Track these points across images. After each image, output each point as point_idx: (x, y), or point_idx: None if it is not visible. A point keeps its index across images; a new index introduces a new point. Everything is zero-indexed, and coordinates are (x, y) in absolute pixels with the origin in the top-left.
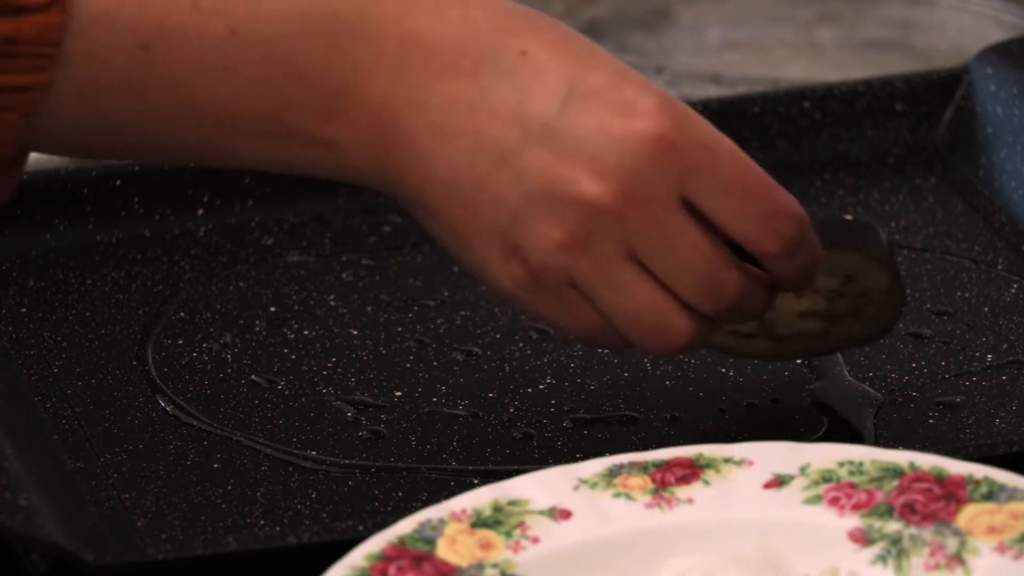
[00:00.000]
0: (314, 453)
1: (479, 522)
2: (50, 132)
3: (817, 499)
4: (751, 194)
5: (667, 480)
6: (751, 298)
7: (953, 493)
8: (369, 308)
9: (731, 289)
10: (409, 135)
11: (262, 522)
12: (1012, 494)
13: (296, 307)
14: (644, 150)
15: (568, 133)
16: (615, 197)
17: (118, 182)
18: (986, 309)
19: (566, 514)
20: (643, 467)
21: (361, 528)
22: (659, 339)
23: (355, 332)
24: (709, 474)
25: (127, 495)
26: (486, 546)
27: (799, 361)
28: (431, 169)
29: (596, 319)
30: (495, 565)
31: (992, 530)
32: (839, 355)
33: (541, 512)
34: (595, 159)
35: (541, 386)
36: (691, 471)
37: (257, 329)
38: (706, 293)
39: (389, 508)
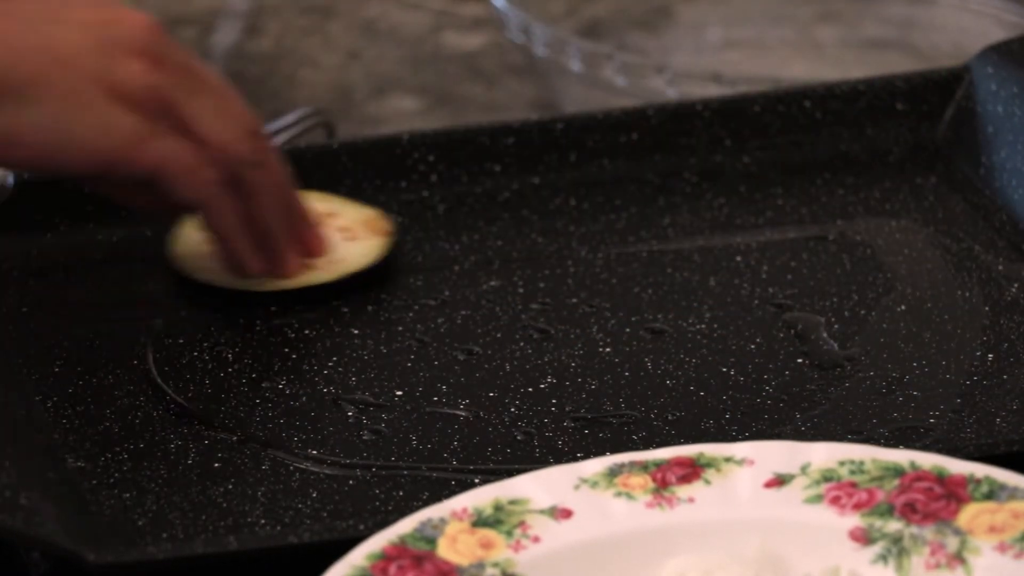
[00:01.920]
0: (315, 452)
1: (480, 521)
2: None
3: (818, 498)
4: (224, 84)
5: (668, 479)
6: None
7: (954, 492)
8: (370, 307)
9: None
10: None
11: (263, 521)
12: (1013, 493)
13: (297, 306)
14: (150, 17)
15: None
16: (157, 27)
17: None
18: (987, 308)
19: (567, 513)
20: (644, 466)
21: (362, 527)
22: (235, 133)
23: (356, 331)
24: (710, 473)
25: (128, 494)
26: (487, 545)
27: (799, 360)
28: (6, 43)
29: (191, 148)
30: (496, 564)
31: (993, 529)
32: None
33: (542, 511)
34: (121, 6)
35: (542, 385)
36: (692, 470)
37: (258, 328)
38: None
39: (390, 507)
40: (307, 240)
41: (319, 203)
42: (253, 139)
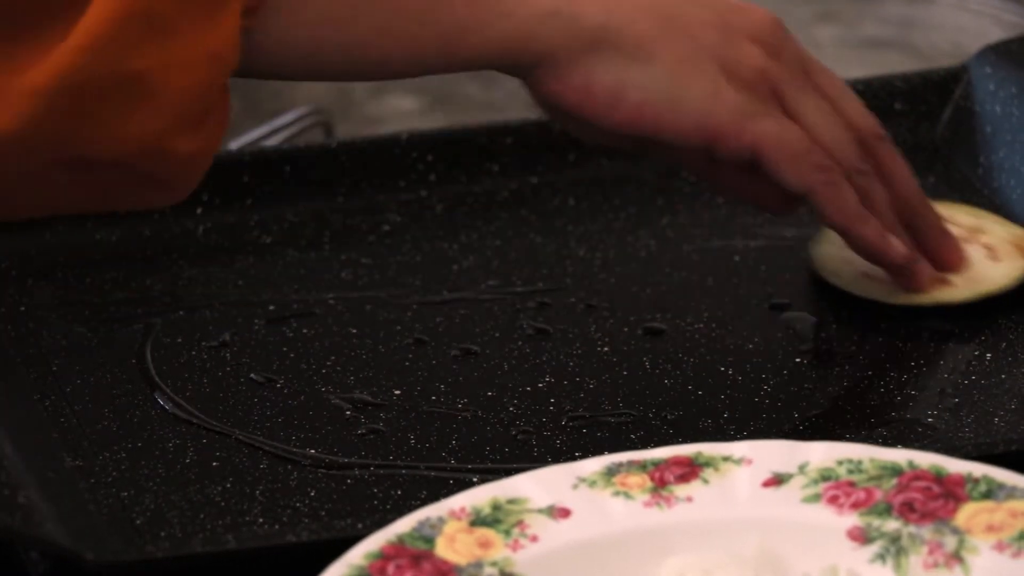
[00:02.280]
0: (313, 451)
1: (478, 520)
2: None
3: (816, 497)
4: (844, 83)
5: (666, 478)
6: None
7: (952, 491)
8: (368, 307)
9: (863, 145)
10: None
11: (261, 520)
12: (1011, 492)
13: (295, 305)
14: (773, 14)
15: None
16: (778, 23)
17: None
18: (985, 307)
19: (565, 512)
20: (642, 465)
21: (360, 526)
22: (840, 140)
23: (354, 330)
24: (708, 472)
25: (126, 493)
26: (485, 545)
27: (797, 359)
28: (641, 5)
29: (799, 130)
30: (494, 563)
31: (991, 528)
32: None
33: (540, 511)
34: (747, 1)
35: (540, 385)
36: (690, 469)
37: (256, 327)
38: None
39: (388, 506)
40: (939, 252)
41: (965, 217)
42: (861, 146)
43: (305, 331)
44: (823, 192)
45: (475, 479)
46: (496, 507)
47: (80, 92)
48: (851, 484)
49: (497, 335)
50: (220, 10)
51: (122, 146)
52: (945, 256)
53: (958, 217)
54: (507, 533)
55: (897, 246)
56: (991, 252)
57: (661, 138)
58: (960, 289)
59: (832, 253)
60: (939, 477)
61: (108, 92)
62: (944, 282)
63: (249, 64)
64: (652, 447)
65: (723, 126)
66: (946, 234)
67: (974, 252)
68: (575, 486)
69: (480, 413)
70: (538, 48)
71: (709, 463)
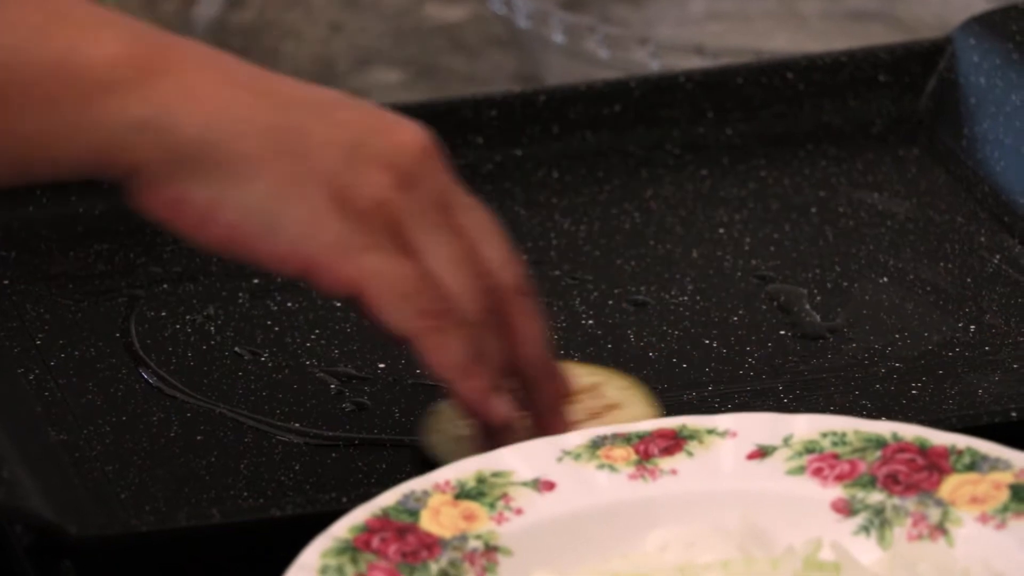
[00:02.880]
0: (297, 425)
1: (463, 493)
2: None
3: (800, 470)
4: (494, 226)
5: (650, 451)
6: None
7: (936, 463)
8: None
9: (492, 296)
10: (212, 84)
11: (245, 494)
12: (994, 464)
13: (279, 279)
14: (426, 139)
15: (362, 105)
16: (427, 151)
17: None
18: (969, 280)
19: (550, 485)
20: (626, 438)
21: (344, 500)
22: (463, 287)
23: (338, 304)
24: (692, 445)
25: (110, 467)
26: (470, 517)
27: (782, 332)
28: (250, 119)
29: (410, 269)
30: (478, 536)
31: (975, 500)
32: None
33: (525, 483)
34: (400, 122)
35: None
36: (674, 442)
37: (240, 301)
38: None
39: (373, 480)
40: (545, 425)
41: (612, 391)
42: (486, 297)
43: (289, 304)
44: (425, 340)
45: None
46: (481, 480)
47: None
48: (835, 456)
49: None
50: None
51: None
52: (546, 431)
53: (609, 387)
54: (492, 506)
55: (497, 407)
56: (605, 412)
57: (256, 262)
58: None
59: (443, 424)
60: (923, 449)
61: None
62: None
63: None
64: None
65: (319, 257)
66: (557, 412)
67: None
68: (560, 459)
69: None
70: (128, 160)
71: (693, 436)
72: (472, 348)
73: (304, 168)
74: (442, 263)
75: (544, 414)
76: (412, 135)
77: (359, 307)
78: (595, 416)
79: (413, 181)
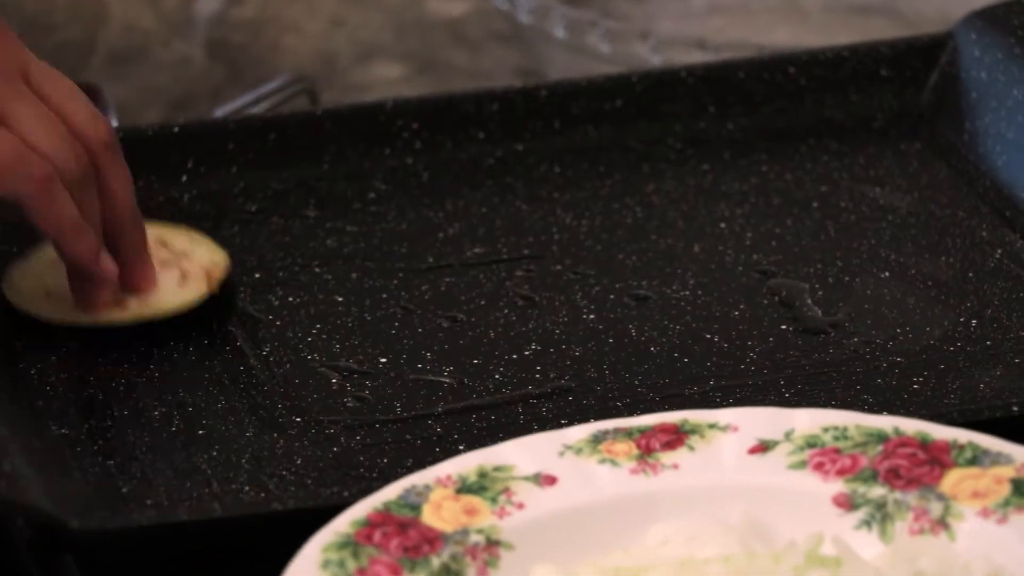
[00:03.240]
0: (299, 420)
1: (464, 488)
2: None
3: (802, 464)
4: (76, 89)
5: (652, 446)
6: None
7: (937, 458)
8: (354, 275)
9: (86, 155)
10: None
11: (247, 488)
12: (996, 459)
13: (281, 273)
14: None
15: None
16: None
17: None
18: (970, 274)
19: (551, 480)
20: (628, 433)
21: (346, 494)
22: (60, 149)
23: (340, 299)
24: (694, 440)
25: (112, 461)
26: (471, 512)
27: (783, 326)
28: None
29: (9, 139)
30: (480, 531)
31: (976, 495)
32: None
33: (526, 478)
34: None
35: (526, 352)
36: (676, 437)
37: (242, 295)
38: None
39: (374, 474)
40: (132, 274)
41: (180, 240)
42: (83, 155)
43: (291, 299)
44: (35, 202)
45: (461, 447)
46: (482, 474)
47: None
48: (837, 451)
49: (483, 302)
50: None
51: None
52: (136, 279)
53: (173, 238)
54: (493, 500)
55: (106, 265)
56: (183, 276)
57: None
58: (130, 310)
59: (28, 270)
60: (924, 443)
61: None
62: (119, 304)
63: None
64: (638, 414)
65: None
66: (144, 258)
67: (168, 276)
68: (561, 453)
69: (466, 381)
70: None
71: (695, 430)
72: (76, 210)
73: None
74: (34, 128)
75: (132, 262)
76: None
77: None
78: (167, 265)
79: None
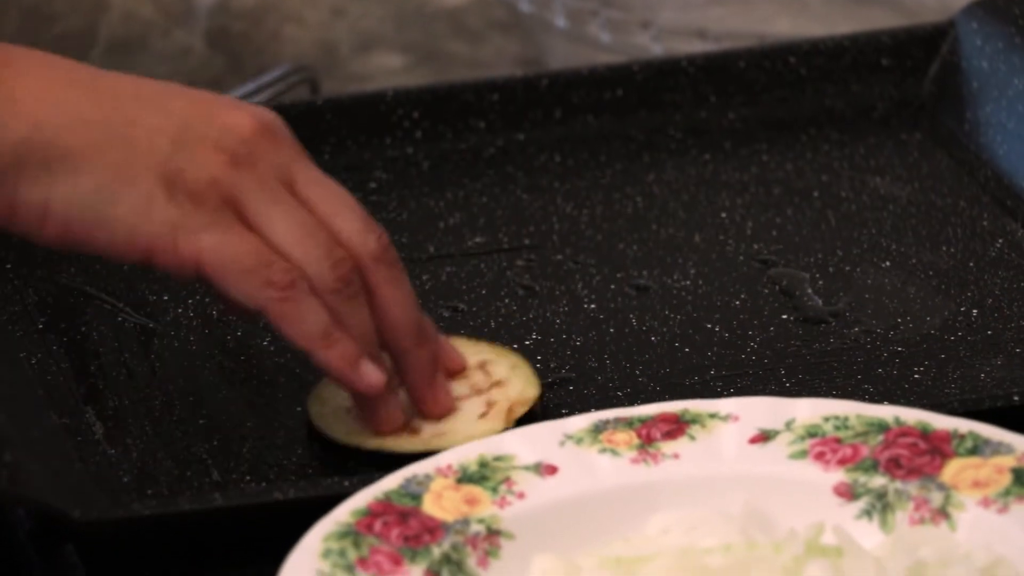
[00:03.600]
0: (300, 409)
1: (465, 477)
2: None
3: (802, 454)
4: (347, 198)
5: (653, 435)
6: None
7: (938, 447)
8: None
9: (347, 264)
10: (37, 86)
11: (248, 478)
12: (997, 448)
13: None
14: (260, 120)
15: (196, 94)
16: (261, 130)
17: None
18: (971, 264)
19: (552, 469)
20: (629, 423)
21: (347, 484)
22: (313, 257)
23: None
24: (695, 429)
25: (113, 451)
26: (472, 501)
27: (784, 316)
28: (77, 115)
29: (253, 242)
30: (481, 520)
31: (977, 484)
32: None
33: (527, 467)
34: (235, 106)
35: (527, 342)
36: (677, 426)
37: None
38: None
39: (375, 464)
40: (419, 397)
41: (501, 368)
42: (343, 265)
43: None
44: (276, 310)
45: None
46: (483, 464)
47: None
48: (837, 440)
49: (483, 292)
50: None
51: None
52: (423, 403)
53: (497, 366)
54: (494, 490)
55: (368, 374)
56: (488, 407)
57: (98, 253)
58: (419, 440)
59: (324, 399)
60: (925, 433)
61: None
62: (412, 430)
63: None
64: (639, 404)
65: (155, 241)
66: (432, 380)
67: (473, 405)
68: (562, 443)
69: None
70: None
71: (696, 420)
72: (327, 317)
73: (132, 156)
74: (286, 235)
75: (417, 382)
76: (243, 117)
77: (209, 285)
78: (479, 392)
79: (248, 159)
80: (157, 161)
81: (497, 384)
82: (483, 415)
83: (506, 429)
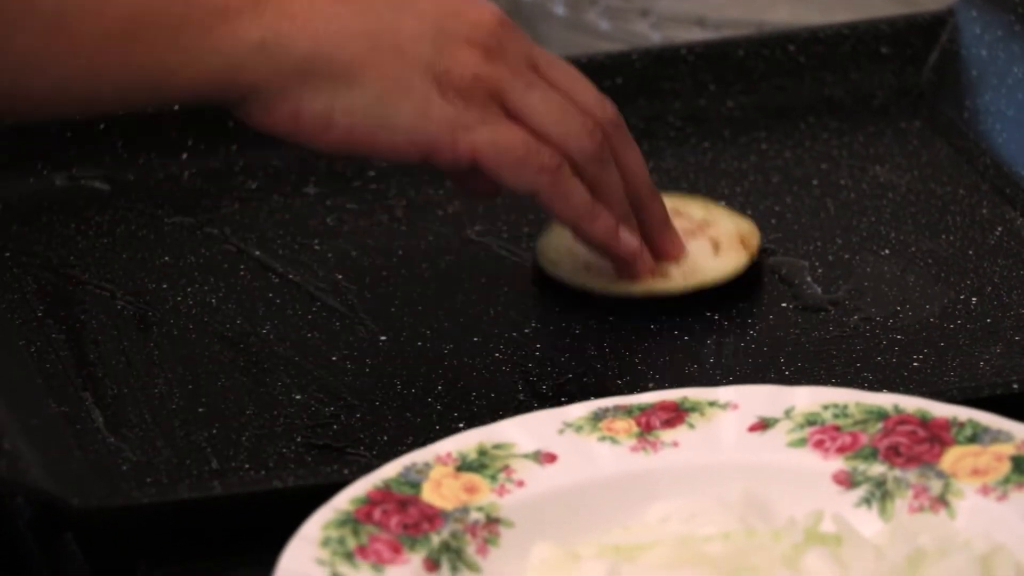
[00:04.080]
0: (299, 397)
1: (464, 466)
2: None
3: (802, 442)
4: (577, 72)
5: (652, 423)
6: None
7: (937, 435)
8: (354, 252)
9: (599, 132)
10: (311, 5)
11: (247, 466)
12: (996, 436)
13: (280, 252)
14: (498, 11)
15: None
16: (502, 22)
17: (101, 126)
18: (971, 252)
19: (551, 457)
20: (628, 411)
21: (346, 472)
22: (572, 131)
23: (340, 276)
24: (694, 417)
25: (112, 439)
26: (471, 489)
27: (783, 304)
28: (348, 28)
29: (520, 132)
30: (480, 508)
31: (976, 472)
32: None
33: (526, 456)
34: (472, 1)
35: (526, 330)
36: (676, 414)
37: (242, 273)
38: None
39: (374, 452)
40: (659, 243)
41: (696, 209)
42: (596, 133)
43: (291, 277)
44: (547, 193)
45: (461, 424)
46: (482, 452)
47: None
48: (837, 428)
49: (483, 280)
50: None
51: None
52: (665, 248)
53: (689, 209)
54: (493, 478)
55: (627, 240)
56: (715, 245)
57: (379, 156)
58: (675, 280)
59: (556, 244)
60: (924, 421)
61: None
62: (662, 273)
63: None
64: (638, 392)
65: (435, 140)
66: (668, 226)
67: (698, 245)
68: (561, 431)
69: (466, 359)
70: (246, 81)
71: (695, 408)
72: (588, 193)
73: (403, 63)
74: (546, 116)
75: (657, 233)
76: (484, 12)
77: (482, 173)
78: (691, 234)
79: (499, 50)
80: (424, 64)
81: (704, 224)
82: (716, 252)
83: (752, 260)
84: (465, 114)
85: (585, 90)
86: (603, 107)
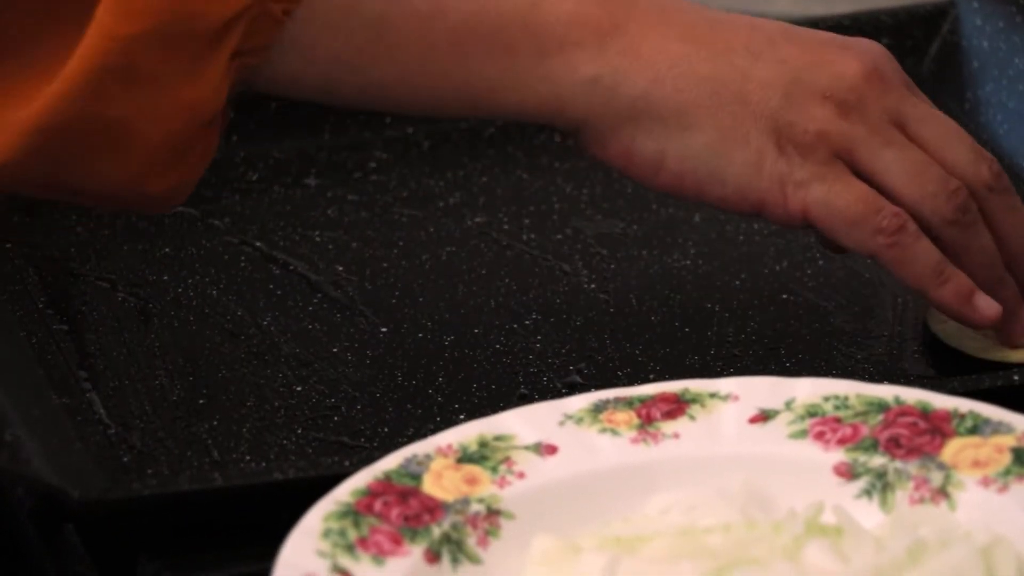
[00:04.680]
0: (300, 389)
1: (465, 457)
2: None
3: (802, 434)
4: (956, 130)
5: (653, 415)
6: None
7: (938, 427)
8: (354, 244)
9: (962, 194)
10: (658, 41)
11: (248, 458)
12: (997, 428)
13: (281, 243)
14: (870, 62)
15: (806, 37)
16: (869, 75)
17: None
18: None
19: (552, 449)
20: (629, 402)
21: (347, 463)
22: (929, 192)
23: (340, 268)
24: (695, 409)
25: (113, 431)
26: (472, 481)
27: (784, 295)
28: (691, 72)
29: (860, 190)
30: (481, 500)
31: (977, 464)
32: None
33: (527, 447)
34: (844, 48)
35: (527, 321)
36: (677, 406)
37: (243, 264)
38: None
39: (375, 443)
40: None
41: None
42: (958, 195)
43: (292, 268)
44: (887, 256)
45: (462, 416)
46: (483, 444)
47: (60, 135)
48: (837, 420)
49: (483, 272)
50: (204, 62)
51: (100, 186)
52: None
53: None
54: (494, 470)
55: (983, 308)
56: None
57: (707, 203)
58: None
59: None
60: (925, 413)
61: (85, 137)
62: None
63: (262, 91)
64: (639, 384)
65: (766, 195)
66: None
67: None
68: (562, 423)
69: (467, 350)
70: (573, 115)
71: (696, 400)
72: (938, 256)
73: (744, 112)
74: (900, 177)
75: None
76: (852, 62)
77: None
78: None
79: (857, 106)
80: (767, 116)
81: None
82: None
83: None
84: (799, 170)
85: (959, 149)
86: (978, 168)
